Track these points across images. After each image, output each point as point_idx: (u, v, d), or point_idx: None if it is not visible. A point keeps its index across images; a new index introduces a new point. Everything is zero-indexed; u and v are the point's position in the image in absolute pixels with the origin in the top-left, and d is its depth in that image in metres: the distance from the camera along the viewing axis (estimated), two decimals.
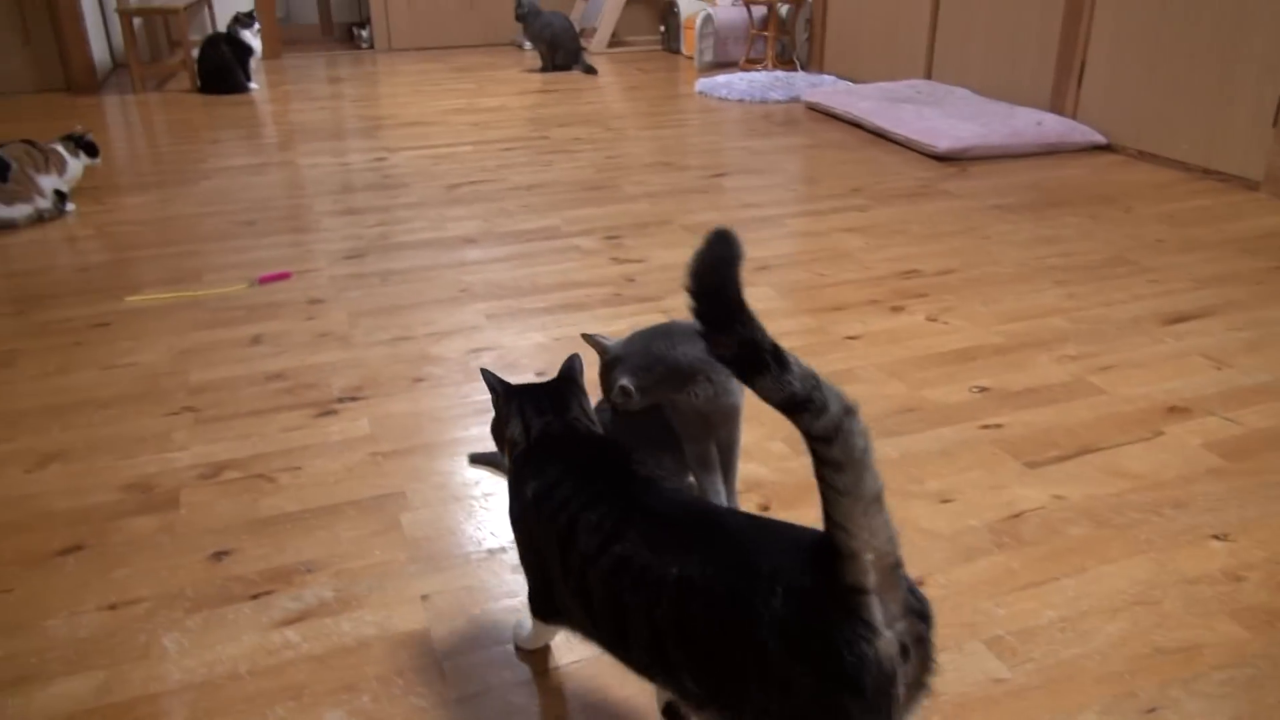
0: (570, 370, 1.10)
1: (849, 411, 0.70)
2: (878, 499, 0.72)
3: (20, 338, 2.03)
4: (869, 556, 0.72)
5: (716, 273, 0.71)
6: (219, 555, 1.34)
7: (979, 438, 1.61)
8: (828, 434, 0.69)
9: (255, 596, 1.25)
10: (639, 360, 1.25)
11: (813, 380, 0.70)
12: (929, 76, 4.43)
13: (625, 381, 1.24)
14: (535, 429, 1.04)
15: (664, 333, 1.26)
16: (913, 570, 1.26)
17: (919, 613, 0.76)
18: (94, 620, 1.22)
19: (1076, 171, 3.24)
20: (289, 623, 1.21)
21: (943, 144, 3.38)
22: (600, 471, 0.97)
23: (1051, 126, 3.50)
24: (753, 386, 0.71)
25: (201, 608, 1.24)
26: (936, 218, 2.77)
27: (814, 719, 0.75)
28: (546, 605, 1.04)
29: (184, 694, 1.10)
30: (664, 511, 0.89)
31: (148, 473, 1.54)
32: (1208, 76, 3.10)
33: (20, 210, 2.75)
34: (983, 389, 1.77)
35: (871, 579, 0.73)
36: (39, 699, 1.10)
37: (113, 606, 1.24)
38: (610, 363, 1.28)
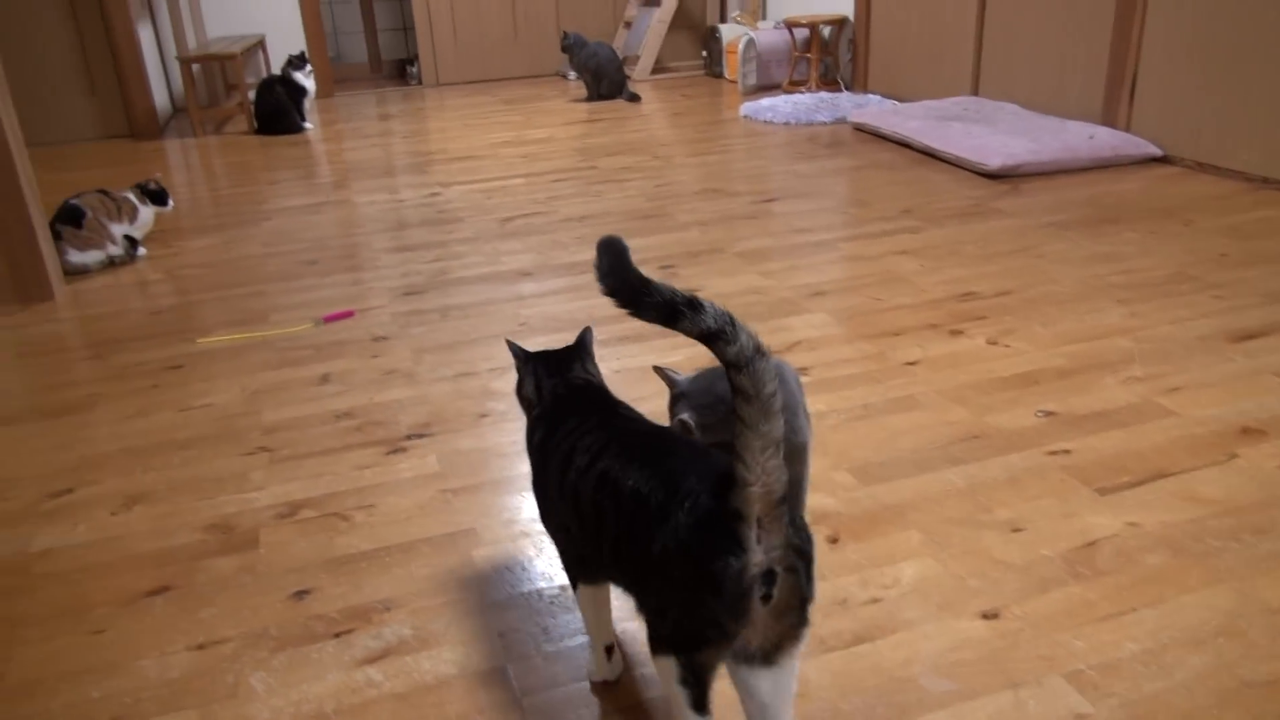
0: (582, 339, 1.23)
1: (759, 350, 0.83)
2: (777, 445, 0.85)
3: (100, 381, 2.11)
4: (756, 489, 0.86)
5: (616, 272, 0.86)
6: (300, 594, 1.37)
7: (1047, 464, 1.59)
8: (739, 362, 0.83)
9: (337, 635, 1.28)
10: (703, 398, 1.27)
11: (727, 318, 0.83)
12: (976, 93, 4.41)
13: (686, 416, 1.25)
14: (547, 389, 1.19)
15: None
16: (986, 602, 1.26)
17: (797, 548, 0.90)
18: (183, 660, 1.26)
19: (1133, 185, 3.20)
20: (371, 661, 1.24)
21: (994, 161, 3.36)
22: (594, 410, 1.13)
23: (1104, 140, 3.46)
24: (676, 329, 0.84)
25: (285, 647, 1.27)
26: (991, 237, 2.75)
27: (687, 610, 0.91)
28: (574, 563, 1.14)
29: None
30: (633, 437, 1.05)
31: (228, 513, 1.58)
32: (1266, 83, 3.05)
33: (93, 256, 2.85)
34: (1048, 413, 1.76)
35: (754, 509, 0.86)
36: None
37: (201, 646, 1.28)
38: (676, 397, 1.30)
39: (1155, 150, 3.45)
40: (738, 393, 0.84)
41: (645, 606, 0.97)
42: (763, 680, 0.93)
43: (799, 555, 0.90)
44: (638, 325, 2.25)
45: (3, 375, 2.17)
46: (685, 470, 0.95)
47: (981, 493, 1.52)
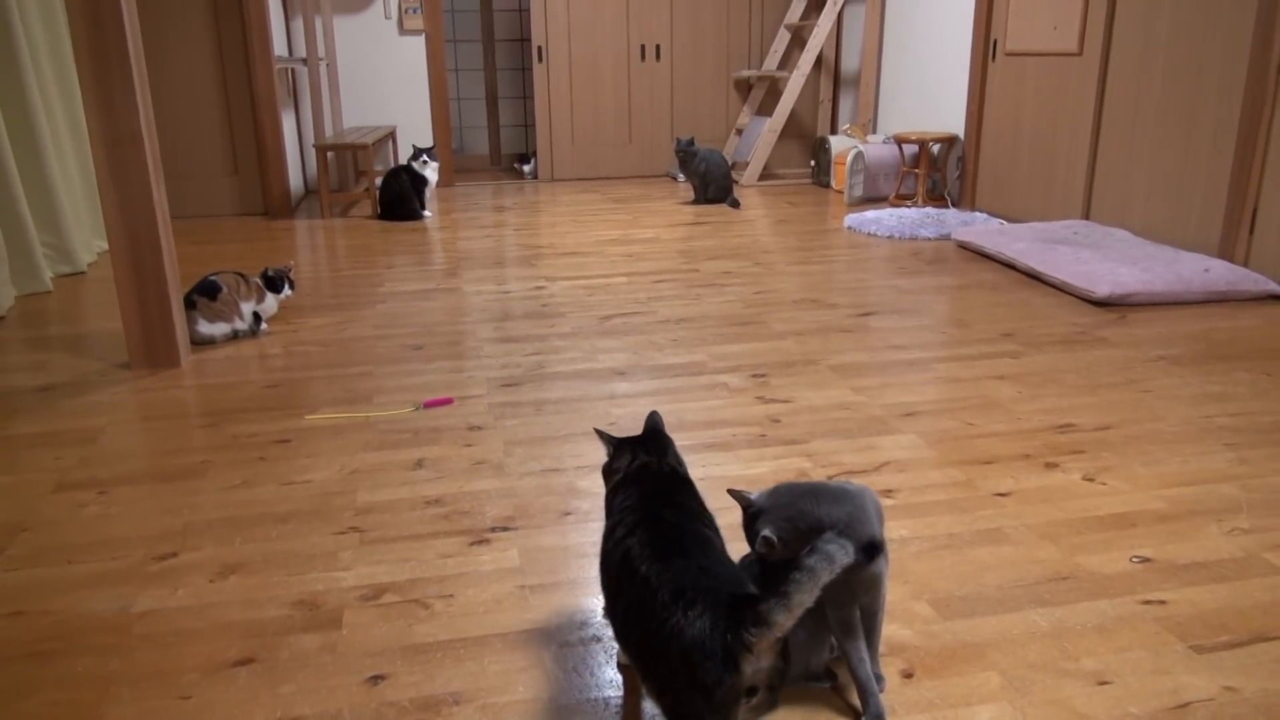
0: (654, 425, 1.44)
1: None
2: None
3: (213, 450, 2.23)
4: (777, 634, 1.04)
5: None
6: (375, 679, 1.41)
7: (1140, 614, 1.53)
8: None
9: None
10: (782, 513, 1.28)
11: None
12: (1087, 217, 4.37)
13: (768, 532, 1.26)
14: (635, 464, 1.38)
15: (810, 492, 1.28)
16: None
17: (780, 671, 1.12)
18: None
19: (1249, 323, 3.10)
20: None
21: (1102, 289, 3.30)
22: (650, 491, 1.30)
23: (1220, 274, 3.37)
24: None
25: None
26: (1094, 368, 2.70)
27: (681, 700, 1.08)
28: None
29: None
30: (663, 527, 1.21)
31: (315, 590, 1.64)
32: None
33: (220, 329, 3.04)
34: (1144, 559, 1.69)
35: (762, 646, 1.05)
36: None
37: None
38: (753, 515, 1.31)
39: (1276, 288, 3.34)
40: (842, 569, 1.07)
41: (647, 680, 1.14)
42: None
43: (779, 675, 1.10)
44: (725, 433, 2.27)
45: (127, 436, 2.32)
46: (692, 573, 1.11)
47: (1068, 638, 1.47)
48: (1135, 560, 1.69)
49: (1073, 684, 1.36)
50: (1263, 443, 2.16)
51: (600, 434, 1.45)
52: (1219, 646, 1.44)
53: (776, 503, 1.29)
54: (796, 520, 1.26)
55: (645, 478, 1.34)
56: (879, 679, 1.34)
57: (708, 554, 1.17)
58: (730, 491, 1.34)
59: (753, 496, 1.32)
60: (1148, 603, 1.56)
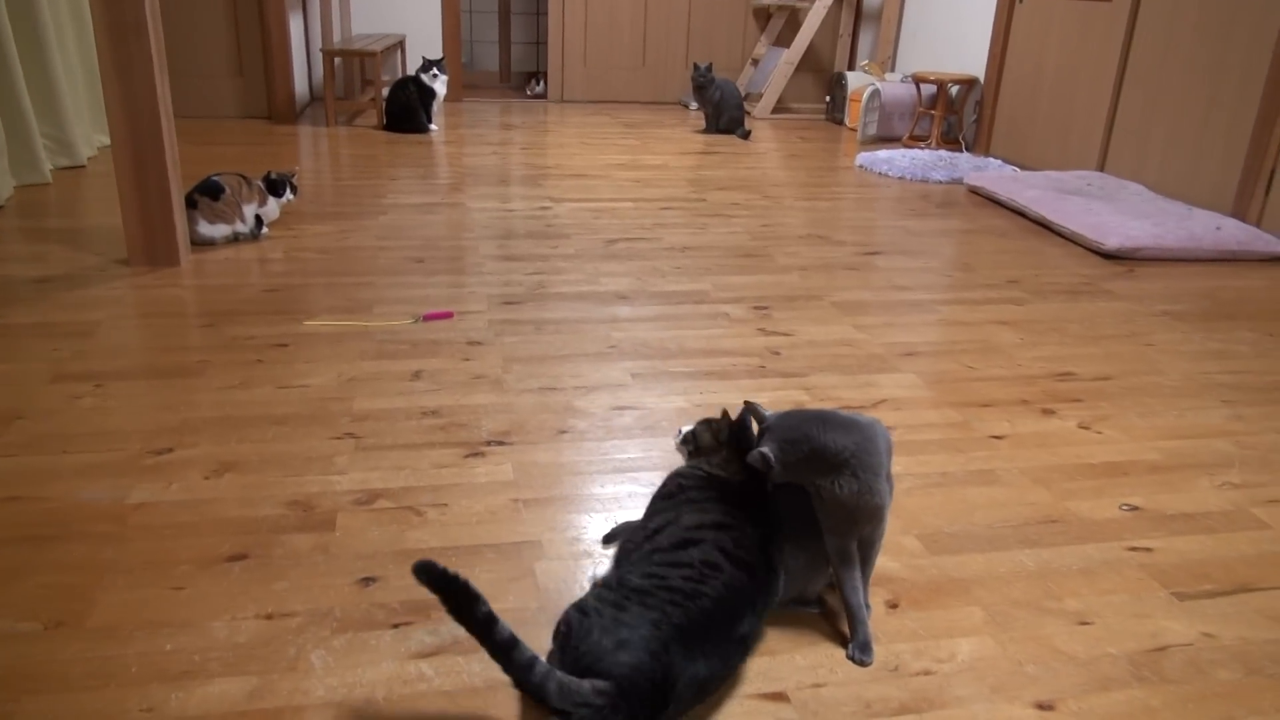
0: (745, 420, 1.39)
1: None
2: None
3: (211, 350, 2.22)
4: None
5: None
6: (366, 581, 1.42)
7: (1125, 559, 1.55)
8: None
9: (396, 626, 1.33)
10: (787, 435, 1.28)
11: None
12: (1102, 169, 4.31)
13: (767, 449, 1.26)
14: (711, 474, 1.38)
15: (819, 418, 1.28)
16: (1042, 692, 1.23)
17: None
18: (251, 627, 1.32)
19: (1256, 283, 3.08)
20: (424, 655, 1.28)
21: (1111, 241, 3.27)
22: (731, 496, 1.32)
23: (1232, 233, 3.34)
24: None
25: (347, 629, 1.32)
26: (1098, 319, 2.68)
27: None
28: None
29: (325, 710, 1.18)
30: (722, 551, 1.22)
31: (310, 492, 1.65)
32: None
33: (220, 230, 3.01)
34: (1133, 508, 1.70)
35: None
36: (198, 695, 1.19)
37: (269, 616, 1.34)
38: (762, 431, 1.31)
39: None
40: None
41: None
42: None
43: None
44: (725, 363, 2.27)
45: (124, 332, 2.31)
46: (646, 672, 1.11)
47: (1052, 579, 1.49)
48: (1124, 508, 1.70)
49: (1054, 622, 1.38)
50: (1260, 401, 2.17)
51: (751, 409, 1.37)
52: (1201, 595, 1.46)
53: (784, 424, 1.29)
54: (799, 443, 1.26)
55: (725, 499, 1.32)
56: (866, 607, 1.36)
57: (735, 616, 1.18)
58: (747, 403, 1.35)
59: (766, 414, 1.32)
60: (1134, 549, 1.58)
